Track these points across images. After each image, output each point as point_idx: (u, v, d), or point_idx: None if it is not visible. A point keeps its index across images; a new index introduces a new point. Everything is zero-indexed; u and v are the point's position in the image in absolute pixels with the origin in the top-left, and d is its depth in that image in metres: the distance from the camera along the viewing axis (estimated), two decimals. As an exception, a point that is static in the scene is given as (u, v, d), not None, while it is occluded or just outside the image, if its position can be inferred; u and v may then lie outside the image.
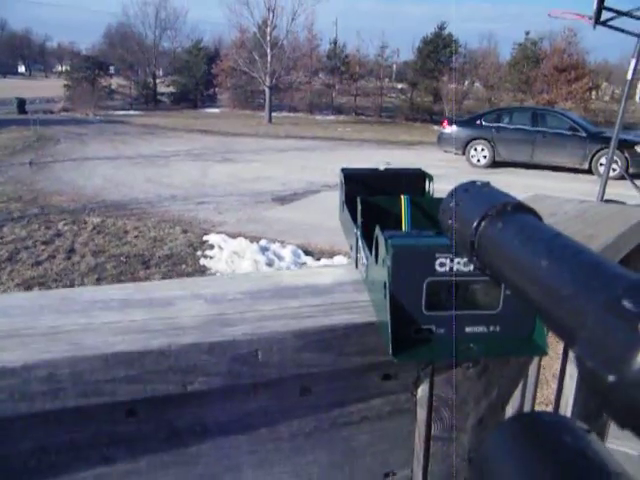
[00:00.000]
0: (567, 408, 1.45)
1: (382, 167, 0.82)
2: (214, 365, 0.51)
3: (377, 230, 0.56)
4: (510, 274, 0.32)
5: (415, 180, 0.80)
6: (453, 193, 0.41)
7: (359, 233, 0.67)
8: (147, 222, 7.51)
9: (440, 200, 0.50)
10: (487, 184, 0.40)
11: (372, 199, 0.70)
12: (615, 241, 0.90)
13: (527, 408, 1.30)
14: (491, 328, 0.56)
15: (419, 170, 0.81)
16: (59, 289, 0.98)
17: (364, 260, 0.64)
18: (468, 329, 0.55)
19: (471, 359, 0.61)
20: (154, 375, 0.49)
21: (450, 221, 0.39)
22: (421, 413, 0.63)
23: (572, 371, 1.42)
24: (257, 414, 0.57)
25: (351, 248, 0.72)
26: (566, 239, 0.30)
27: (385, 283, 0.53)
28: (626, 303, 0.22)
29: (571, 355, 1.40)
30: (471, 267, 0.53)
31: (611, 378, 0.21)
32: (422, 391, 0.63)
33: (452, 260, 0.53)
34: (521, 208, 0.35)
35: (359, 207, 0.66)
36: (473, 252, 0.36)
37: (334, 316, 0.57)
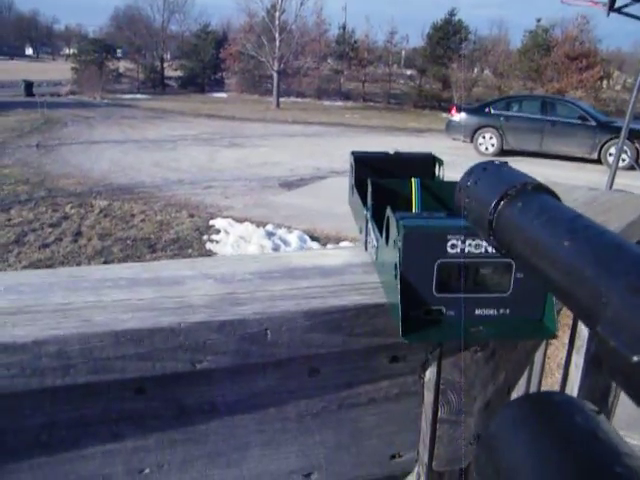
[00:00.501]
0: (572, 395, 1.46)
1: (392, 151, 0.81)
2: (223, 344, 0.51)
3: (388, 211, 0.56)
4: (529, 254, 0.32)
5: (425, 164, 0.80)
6: (471, 171, 0.40)
7: (369, 215, 0.67)
8: (153, 206, 7.52)
9: (451, 184, 0.50)
10: (505, 164, 0.40)
11: (382, 182, 0.70)
12: (625, 229, 0.90)
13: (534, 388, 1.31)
14: (501, 311, 0.56)
15: (429, 154, 0.80)
16: (68, 267, 0.98)
17: (374, 242, 0.64)
18: (478, 311, 0.56)
19: (481, 341, 0.61)
20: (163, 353, 0.49)
21: (467, 199, 0.39)
22: (428, 396, 0.63)
23: (578, 360, 1.42)
24: (265, 394, 0.57)
25: (360, 231, 0.72)
26: (588, 220, 0.29)
27: (396, 264, 0.53)
28: None
29: (577, 344, 1.40)
30: (482, 249, 0.53)
31: (636, 358, 0.21)
32: (430, 374, 0.62)
33: (464, 242, 0.53)
34: (541, 188, 0.35)
35: (369, 189, 0.66)
36: (490, 231, 0.35)
37: (344, 297, 0.57)
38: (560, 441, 0.26)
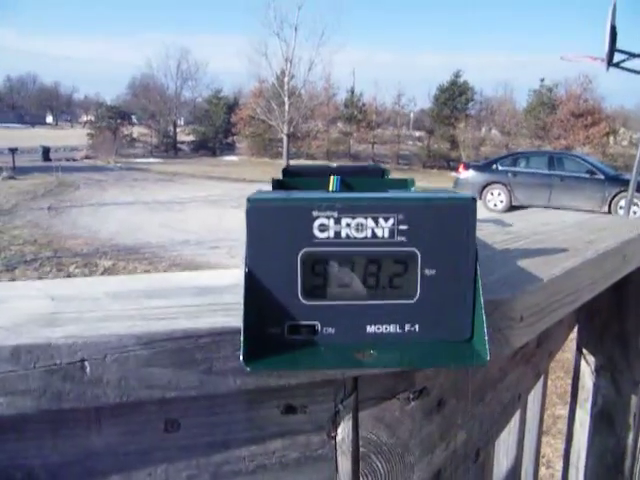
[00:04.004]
0: (579, 463, 1.29)
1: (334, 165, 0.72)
2: (21, 379, 0.36)
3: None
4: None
5: (372, 176, 0.70)
6: None
7: None
8: (158, 266, 7.46)
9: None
10: None
11: (293, 180, 0.59)
12: (621, 247, 0.76)
13: (528, 454, 1.14)
14: (406, 327, 0.40)
15: (377, 166, 0.71)
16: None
17: None
18: (370, 328, 0.40)
19: (369, 369, 0.43)
20: None
21: None
22: (344, 463, 0.46)
23: (582, 417, 1.27)
24: (105, 456, 0.41)
25: None
26: None
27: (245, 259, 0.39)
28: None
29: (581, 397, 1.26)
30: (367, 232, 0.38)
31: None
32: (343, 432, 0.45)
33: (338, 221, 0.38)
34: None
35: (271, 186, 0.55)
36: None
37: (200, 318, 0.40)
38: None
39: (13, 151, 19.83)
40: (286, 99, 26.31)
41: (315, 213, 0.38)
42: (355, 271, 0.39)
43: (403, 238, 0.39)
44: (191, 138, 34.77)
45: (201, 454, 0.42)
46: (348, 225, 0.38)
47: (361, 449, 0.45)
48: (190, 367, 0.38)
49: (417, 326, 0.40)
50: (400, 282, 0.40)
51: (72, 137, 35.42)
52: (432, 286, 0.40)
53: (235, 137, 33.87)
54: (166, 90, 35.94)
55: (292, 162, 25.85)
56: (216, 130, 33.22)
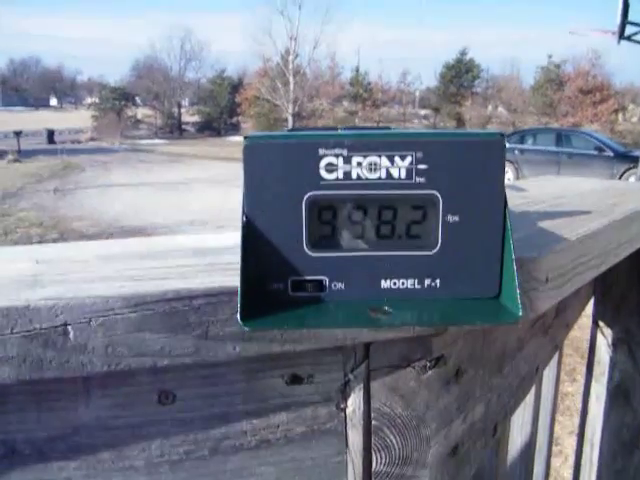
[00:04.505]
0: (594, 438, 1.26)
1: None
2: None
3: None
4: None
5: None
6: None
7: None
8: (164, 246, 7.46)
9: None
10: None
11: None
12: None
13: (542, 430, 1.11)
14: (425, 282, 0.36)
15: (386, 127, 0.67)
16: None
17: None
18: (385, 283, 0.36)
19: (382, 328, 0.38)
20: None
21: None
22: (354, 437, 0.42)
23: (599, 391, 1.24)
24: (94, 429, 0.37)
25: None
26: None
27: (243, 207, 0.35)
28: None
29: (597, 371, 1.22)
30: (382, 172, 0.34)
31: None
32: (354, 403, 0.41)
33: (348, 160, 0.34)
34: None
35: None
36: None
37: (197, 278, 0.36)
38: None
39: (18, 134, 19.80)
40: (291, 78, 26.10)
41: (322, 151, 0.34)
42: (368, 218, 0.35)
43: (422, 179, 0.34)
44: (196, 119, 34.64)
45: (199, 428, 0.39)
46: (359, 164, 0.34)
47: (373, 422, 0.42)
48: (184, 332, 0.35)
49: (438, 281, 0.36)
50: (419, 230, 0.36)
51: (76, 119, 35.32)
52: (455, 235, 0.35)
53: (240, 117, 33.67)
54: (170, 71, 35.76)
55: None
56: (221, 110, 33.03)
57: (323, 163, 0.34)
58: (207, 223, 8.96)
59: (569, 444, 2.72)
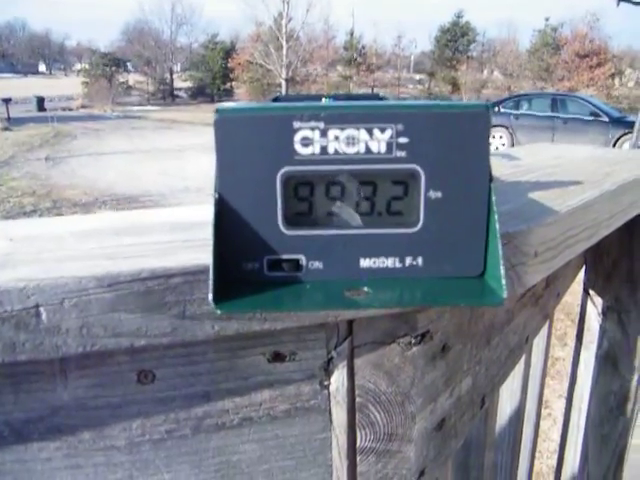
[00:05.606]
0: (582, 404, 1.27)
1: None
2: None
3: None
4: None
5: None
6: None
7: None
8: (158, 214, 7.43)
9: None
10: None
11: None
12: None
13: (531, 397, 1.12)
14: (406, 261, 0.35)
15: (375, 94, 0.65)
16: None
17: None
18: (364, 262, 0.35)
19: (362, 310, 0.37)
20: None
21: None
22: (339, 414, 0.41)
23: (587, 359, 1.24)
24: (73, 410, 0.36)
25: None
26: None
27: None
28: None
29: (586, 339, 1.23)
30: (360, 147, 0.32)
31: None
32: (337, 380, 0.40)
33: (325, 133, 0.32)
34: None
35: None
36: None
37: (172, 255, 0.35)
38: None
39: (7, 102, 19.44)
40: (284, 42, 25.67)
41: (297, 124, 0.32)
42: (346, 194, 0.34)
43: (403, 153, 0.33)
44: (188, 85, 34.15)
45: (180, 407, 0.38)
46: (336, 138, 0.32)
47: (357, 399, 0.41)
48: (160, 311, 0.34)
49: (420, 259, 0.35)
50: (400, 207, 0.34)
51: (66, 86, 34.73)
52: (438, 212, 0.34)
53: (233, 83, 33.22)
54: (161, 35, 35.11)
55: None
56: (213, 76, 32.56)
57: (298, 137, 0.32)
58: (202, 190, 8.91)
59: (558, 407, 2.76)
